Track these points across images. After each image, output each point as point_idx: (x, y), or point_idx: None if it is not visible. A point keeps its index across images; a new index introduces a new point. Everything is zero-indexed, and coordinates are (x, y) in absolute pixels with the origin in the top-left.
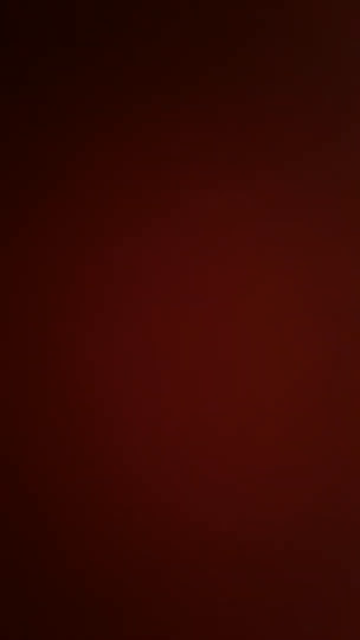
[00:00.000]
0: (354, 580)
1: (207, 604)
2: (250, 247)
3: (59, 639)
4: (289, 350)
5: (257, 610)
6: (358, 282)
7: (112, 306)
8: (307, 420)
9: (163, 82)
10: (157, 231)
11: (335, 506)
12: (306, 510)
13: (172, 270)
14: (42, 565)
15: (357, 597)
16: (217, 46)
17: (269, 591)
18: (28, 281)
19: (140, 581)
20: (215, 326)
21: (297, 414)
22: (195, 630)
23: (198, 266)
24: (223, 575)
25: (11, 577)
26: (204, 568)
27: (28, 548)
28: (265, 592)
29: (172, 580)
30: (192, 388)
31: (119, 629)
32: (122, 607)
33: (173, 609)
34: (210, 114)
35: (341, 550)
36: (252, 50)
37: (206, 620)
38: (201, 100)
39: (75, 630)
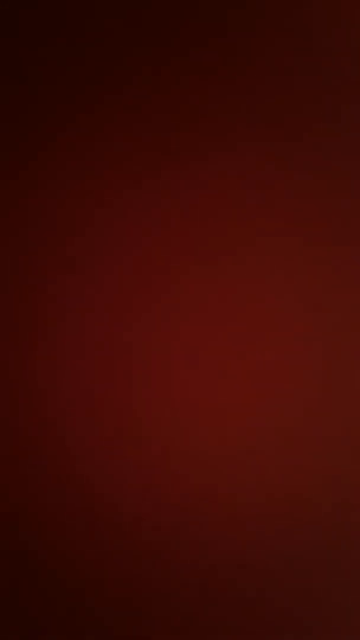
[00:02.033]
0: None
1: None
2: (249, 247)
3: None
4: (286, 348)
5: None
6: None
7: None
8: (306, 425)
9: (162, 81)
10: (153, 235)
11: (334, 496)
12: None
13: (171, 274)
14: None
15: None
16: (217, 46)
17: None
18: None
19: (140, 573)
20: (213, 329)
21: (296, 415)
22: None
23: (197, 268)
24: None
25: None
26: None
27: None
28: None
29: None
30: (190, 390)
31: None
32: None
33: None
34: (209, 111)
35: (340, 542)
36: (252, 49)
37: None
38: (202, 100)
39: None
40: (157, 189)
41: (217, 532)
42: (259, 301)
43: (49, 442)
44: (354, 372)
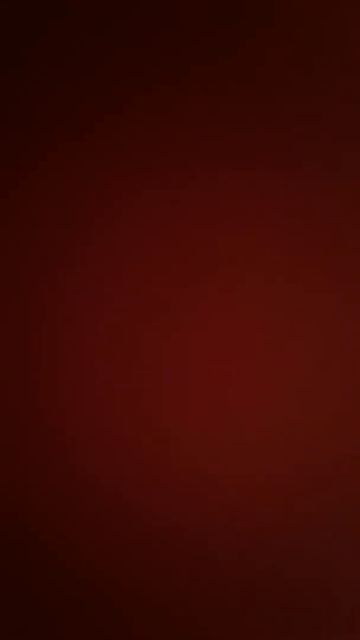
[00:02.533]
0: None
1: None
2: (250, 249)
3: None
4: (283, 346)
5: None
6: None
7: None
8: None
9: (162, 79)
10: (153, 236)
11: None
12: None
13: (170, 274)
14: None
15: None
16: (215, 46)
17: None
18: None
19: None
20: (211, 329)
21: (296, 412)
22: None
23: (196, 267)
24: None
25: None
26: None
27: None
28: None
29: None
30: (189, 389)
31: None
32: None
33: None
34: (212, 113)
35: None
36: (253, 49)
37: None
38: (202, 100)
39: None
40: (157, 195)
41: (221, 521)
42: (256, 290)
43: (48, 430)
44: (352, 359)
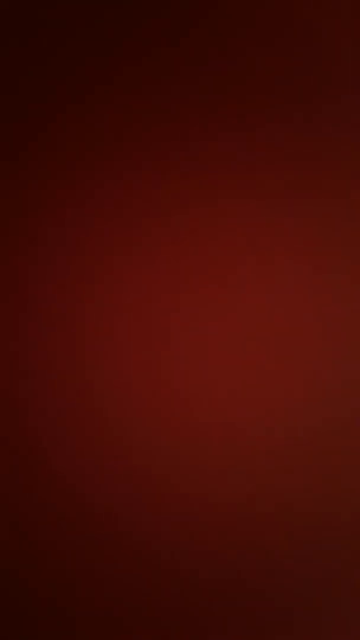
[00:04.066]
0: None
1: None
2: (251, 244)
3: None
4: (286, 335)
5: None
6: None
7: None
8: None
9: (162, 80)
10: (154, 238)
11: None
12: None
13: (171, 267)
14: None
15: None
16: (216, 46)
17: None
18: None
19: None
20: (211, 321)
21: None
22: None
23: (198, 259)
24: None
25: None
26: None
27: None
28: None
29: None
30: (190, 363)
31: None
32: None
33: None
34: (211, 112)
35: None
36: (251, 50)
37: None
38: (201, 100)
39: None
40: (156, 189)
41: (219, 515)
42: (261, 279)
43: (45, 420)
44: (354, 344)
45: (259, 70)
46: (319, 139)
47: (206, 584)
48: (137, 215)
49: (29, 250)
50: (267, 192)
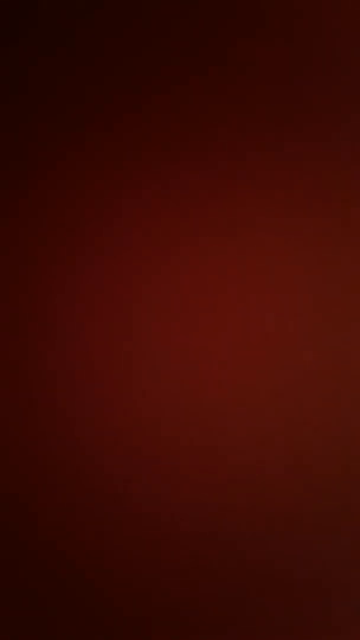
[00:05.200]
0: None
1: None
2: (254, 242)
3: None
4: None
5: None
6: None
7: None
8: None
9: (161, 82)
10: (159, 232)
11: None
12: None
13: (174, 267)
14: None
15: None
16: (215, 47)
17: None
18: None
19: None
20: (214, 319)
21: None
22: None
23: (200, 255)
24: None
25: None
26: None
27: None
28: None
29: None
30: (190, 348)
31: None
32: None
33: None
34: (208, 115)
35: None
36: (250, 51)
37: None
38: (200, 101)
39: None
40: (157, 190)
41: (216, 496)
42: (259, 269)
43: (46, 409)
44: (350, 332)
45: (261, 74)
46: (319, 139)
47: (209, 572)
48: (137, 216)
49: (29, 250)
50: (268, 193)
